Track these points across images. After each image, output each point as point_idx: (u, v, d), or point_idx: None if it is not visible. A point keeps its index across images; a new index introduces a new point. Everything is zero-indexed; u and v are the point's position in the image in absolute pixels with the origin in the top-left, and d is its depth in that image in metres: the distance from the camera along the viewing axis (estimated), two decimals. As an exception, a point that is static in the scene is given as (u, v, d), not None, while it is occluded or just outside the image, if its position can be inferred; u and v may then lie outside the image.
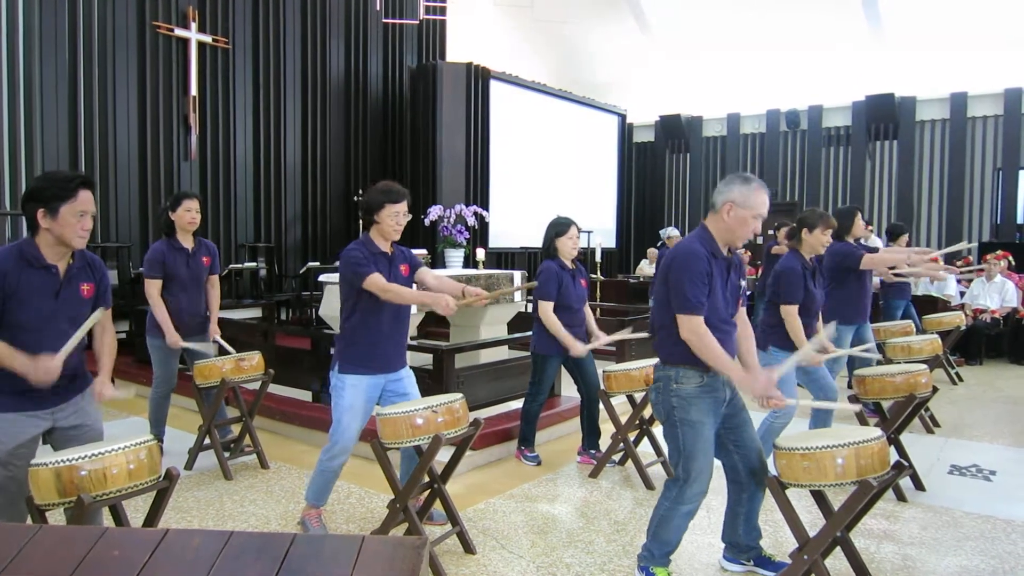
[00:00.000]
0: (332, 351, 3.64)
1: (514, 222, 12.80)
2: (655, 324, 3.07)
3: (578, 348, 4.56)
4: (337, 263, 3.56)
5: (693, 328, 2.86)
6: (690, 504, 3.01)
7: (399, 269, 3.55)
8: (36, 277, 2.64)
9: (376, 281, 3.34)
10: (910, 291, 7.10)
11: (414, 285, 3.66)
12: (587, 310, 4.82)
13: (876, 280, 7.03)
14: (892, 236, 7.02)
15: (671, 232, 8.88)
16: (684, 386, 2.95)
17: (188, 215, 4.62)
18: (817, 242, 4.32)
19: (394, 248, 3.57)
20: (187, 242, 4.68)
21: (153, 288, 4.56)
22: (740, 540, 3.26)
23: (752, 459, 3.13)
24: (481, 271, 7.21)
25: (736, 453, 3.13)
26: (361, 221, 3.51)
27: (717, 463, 3.18)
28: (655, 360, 4.63)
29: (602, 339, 4.66)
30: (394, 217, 3.44)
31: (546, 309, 4.56)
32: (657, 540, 3.08)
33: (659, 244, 8.87)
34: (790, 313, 4.16)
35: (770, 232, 8.93)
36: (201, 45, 9.72)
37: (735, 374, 2.89)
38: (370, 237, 3.50)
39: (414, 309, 6.05)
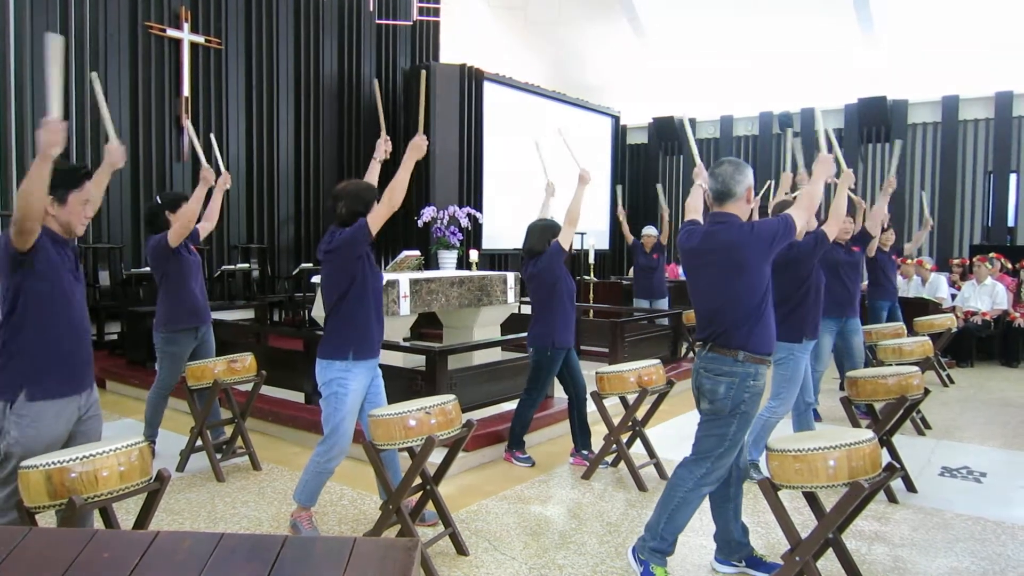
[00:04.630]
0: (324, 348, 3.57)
1: (507, 224, 12.80)
2: (729, 316, 3.05)
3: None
4: None
5: (804, 210, 3.12)
6: (710, 487, 3.14)
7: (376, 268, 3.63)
8: (60, 253, 2.76)
9: (378, 210, 3.37)
10: (895, 292, 7.14)
11: None
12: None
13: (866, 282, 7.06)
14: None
15: (649, 231, 8.79)
16: (759, 382, 3.07)
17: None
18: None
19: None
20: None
21: (185, 209, 4.48)
22: (732, 535, 3.28)
23: (743, 452, 3.26)
24: (474, 272, 7.21)
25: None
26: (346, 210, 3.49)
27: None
28: (647, 362, 4.69)
29: None
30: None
31: (564, 234, 4.62)
32: (673, 523, 3.14)
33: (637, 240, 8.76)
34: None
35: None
36: (193, 46, 9.69)
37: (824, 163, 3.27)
38: None
39: (405, 309, 6.06)
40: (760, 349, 3.04)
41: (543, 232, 4.74)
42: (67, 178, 2.76)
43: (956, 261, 10.92)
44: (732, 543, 3.30)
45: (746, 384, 3.02)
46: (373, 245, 3.52)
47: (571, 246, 4.75)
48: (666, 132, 15.50)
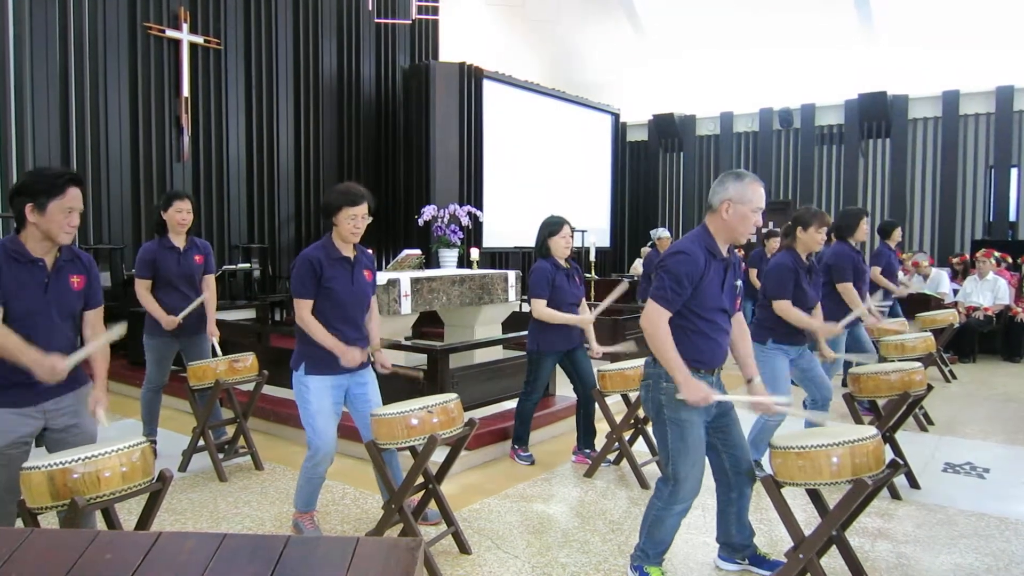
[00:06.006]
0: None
1: (508, 222, 12.80)
2: None
3: (585, 319, 4.64)
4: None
5: (656, 318, 2.88)
6: (683, 503, 3.02)
7: (362, 275, 3.53)
8: (23, 271, 2.64)
9: (304, 306, 3.37)
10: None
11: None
12: (584, 308, 4.82)
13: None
14: (884, 233, 7.03)
15: (661, 233, 8.88)
16: (673, 384, 2.93)
17: (179, 215, 4.63)
18: (812, 240, 4.31)
19: (357, 251, 3.53)
20: (179, 241, 4.68)
21: (142, 287, 4.58)
22: (733, 539, 3.26)
23: (740, 458, 3.13)
24: (475, 271, 7.20)
25: (724, 453, 3.13)
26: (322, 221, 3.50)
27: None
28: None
29: (599, 349, 4.75)
30: (351, 220, 3.38)
31: (539, 306, 4.56)
32: (652, 540, 3.08)
33: (649, 244, 8.88)
34: (784, 308, 4.17)
35: (764, 231, 8.93)
36: (193, 46, 9.68)
37: (680, 375, 2.85)
38: (331, 240, 3.47)
39: (406, 308, 6.05)
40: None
41: (539, 231, 4.72)
42: (48, 185, 2.61)
43: (956, 260, 10.90)
44: (734, 545, 3.28)
45: (660, 385, 2.96)
46: (349, 262, 3.47)
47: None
48: (666, 129, 15.49)
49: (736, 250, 3.28)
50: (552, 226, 4.66)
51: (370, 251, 3.69)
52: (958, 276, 10.21)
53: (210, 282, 4.87)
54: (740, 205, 2.91)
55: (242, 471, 4.68)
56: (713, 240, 2.98)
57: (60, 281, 2.74)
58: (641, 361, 4.60)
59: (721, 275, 2.97)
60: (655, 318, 2.88)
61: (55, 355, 2.59)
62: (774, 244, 8.69)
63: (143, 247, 4.65)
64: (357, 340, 3.51)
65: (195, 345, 4.81)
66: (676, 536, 3.13)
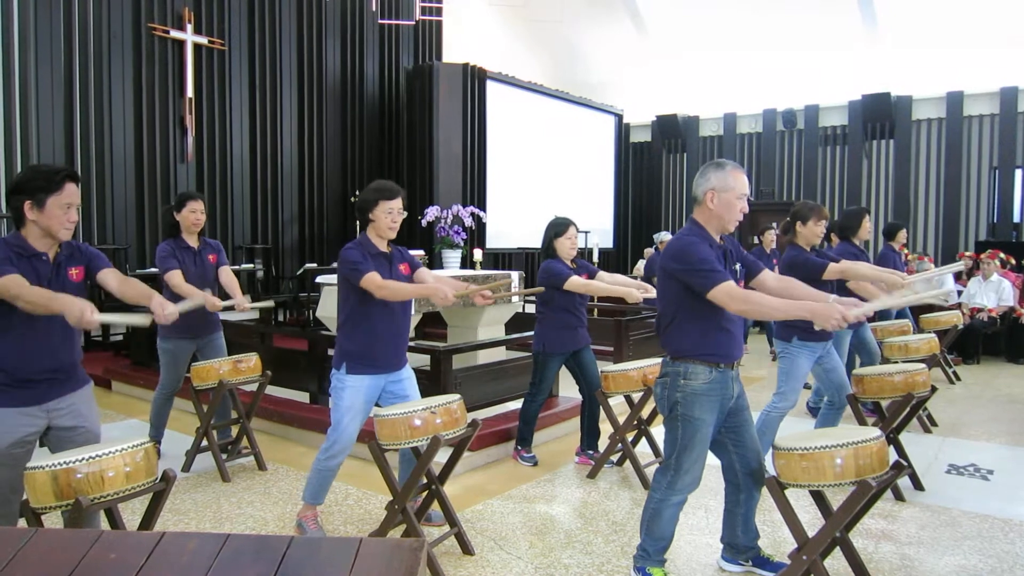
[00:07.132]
0: (333, 351, 3.62)
1: (511, 223, 12.80)
2: (663, 320, 3.05)
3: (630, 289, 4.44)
4: (335, 264, 3.56)
5: (732, 294, 2.79)
6: (681, 494, 3.03)
7: (399, 269, 3.56)
8: (26, 266, 2.65)
9: (373, 279, 3.33)
10: None
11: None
12: (609, 276, 4.73)
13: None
14: (889, 235, 7.01)
15: (664, 236, 8.91)
16: (692, 383, 2.94)
17: (193, 216, 4.65)
18: (812, 233, 4.33)
19: (392, 248, 3.57)
20: (193, 242, 4.71)
21: (177, 278, 4.47)
22: (738, 541, 3.26)
23: (750, 460, 3.12)
24: (478, 271, 7.20)
25: (735, 453, 3.13)
26: (358, 222, 3.52)
27: (715, 461, 3.18)
28: (652, 360, 4.68)
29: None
30: (389, 214, 3.43)
31: (574, 281, 4.48)
32: (651, 536, 3.08)
33: (653, 247, 8.92)
34: (834, 271, 4.21)
35: (766, 229, 8.91)
36: (197, 47, 9.71)
37: (807, 309, 2.76)
38: (367, 237, 3.50)
39: (409, 309, 6.05)
40: (685, 351, 2.95)
41: (545, 232, 4.71)
42: (46, 182, 2.62)
43: (967, 254, 10.85)
44: (738, 547, 3.28)
45: (677, 383, 2.96)
46: (387, 258, 3.48)
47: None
48: (669, 130, 15.48)
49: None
50: (558, 227, 4.65)
51: (403, 247, 3.70)
52: (963, 276, 10.19)
53: (228, 271, 4.88)
54: (724, 193, 2.94)
55: (245, 471, 4.68)
56: (705, 231, 3.00)
57: (61, 275, 2.77)
58: (643, 362, 4.64)
59: (722, 262, 2.98)
60: (732, 296, 2.79)
61: (86, 304, 2.54)
62: (770, 238, 8.69)
63: (160, 247, 4.60)
64: (396, 339, 3.55)
65: (210, 345, 4.82)
66: (679, 537, 3.13)
